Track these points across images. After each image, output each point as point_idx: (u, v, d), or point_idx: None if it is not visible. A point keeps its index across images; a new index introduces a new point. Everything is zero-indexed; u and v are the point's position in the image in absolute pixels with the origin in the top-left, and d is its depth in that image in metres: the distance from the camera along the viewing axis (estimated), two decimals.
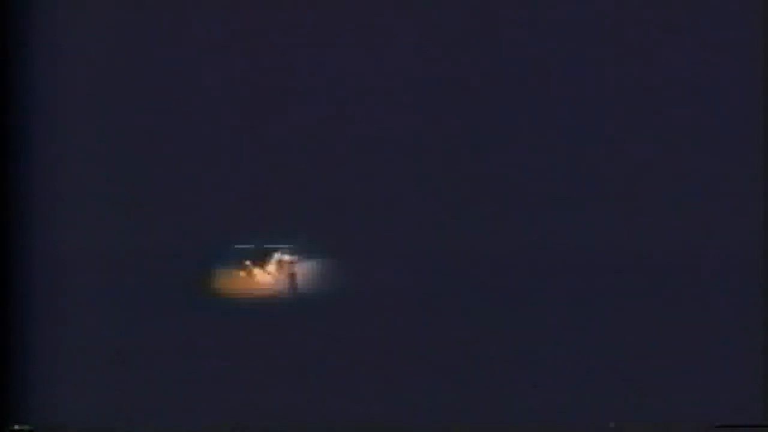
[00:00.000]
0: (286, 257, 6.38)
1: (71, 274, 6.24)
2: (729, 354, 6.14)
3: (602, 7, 6.29)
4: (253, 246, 6.35)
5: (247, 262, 6.38)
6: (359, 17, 6.36)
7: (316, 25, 6.37)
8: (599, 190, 6.27)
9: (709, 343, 6.15)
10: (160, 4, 6.37)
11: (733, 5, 6.25)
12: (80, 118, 6.32)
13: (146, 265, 6.24)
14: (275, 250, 6.39)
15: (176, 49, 6.35)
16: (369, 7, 6.37)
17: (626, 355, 6.15)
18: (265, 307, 6.31)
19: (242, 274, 6.37)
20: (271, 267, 6.40)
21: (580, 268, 6.20)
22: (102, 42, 6.35)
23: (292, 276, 6.38)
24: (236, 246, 6.32)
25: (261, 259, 6.39)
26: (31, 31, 6.31)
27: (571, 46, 6.30)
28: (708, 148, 6.28)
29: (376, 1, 6.36)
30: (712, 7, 6.27)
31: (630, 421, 6.09)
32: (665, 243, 6.23)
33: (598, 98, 6.30)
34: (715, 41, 6.26)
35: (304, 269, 6.35)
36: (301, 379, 6.19)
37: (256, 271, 6.39)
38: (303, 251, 6.35)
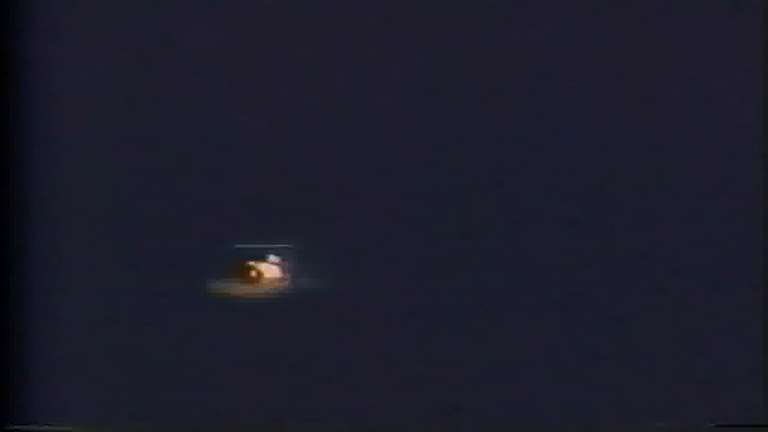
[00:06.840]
0: (286, 256, 6.39)
1: (71, 274, 6.25)
2: (729, 354, 6.16)
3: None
4: (253, 245, 6.35)
5: (248, 261, 6.39)
6: (358, 20, 6.37)
7: (316, 27, 6.37)
8: (599, 190, 6.27)
9: (709, 343, 6.17)
10: (160, 6, 6.37)
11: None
12: (80, 118, 6.32)
13: (146, 264, 6.25)
14: (275, 249, 6.40)
15: (176, 50, 6.35)
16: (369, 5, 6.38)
17: (625, 355, 6.17)
18: (264, 306, 6.32)
19: (242, 273, 6.38)
20: (271, 266, 6.40)
21: (579, 269, 6.21)
22: (101, 42, 6.35)
23: (292, 275, 6.39)
24: (236, 245, 6.33)
25: (261, 258, 6.40)
26: (31, 31, 6.31)
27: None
28: (708, 150, 6.29)
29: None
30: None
31: (630, 420, 6.11)
32: (665, 243, 6.24)
33: (595, 98, 6.31)
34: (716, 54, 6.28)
35: (304, 268, 6.36)
36: (300, 378, 6.21)
37: (256, 270, 6.39)
38: (303, 250, 6.36)
